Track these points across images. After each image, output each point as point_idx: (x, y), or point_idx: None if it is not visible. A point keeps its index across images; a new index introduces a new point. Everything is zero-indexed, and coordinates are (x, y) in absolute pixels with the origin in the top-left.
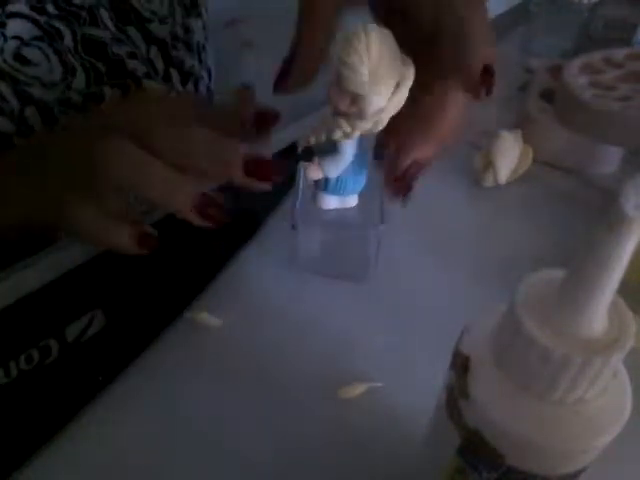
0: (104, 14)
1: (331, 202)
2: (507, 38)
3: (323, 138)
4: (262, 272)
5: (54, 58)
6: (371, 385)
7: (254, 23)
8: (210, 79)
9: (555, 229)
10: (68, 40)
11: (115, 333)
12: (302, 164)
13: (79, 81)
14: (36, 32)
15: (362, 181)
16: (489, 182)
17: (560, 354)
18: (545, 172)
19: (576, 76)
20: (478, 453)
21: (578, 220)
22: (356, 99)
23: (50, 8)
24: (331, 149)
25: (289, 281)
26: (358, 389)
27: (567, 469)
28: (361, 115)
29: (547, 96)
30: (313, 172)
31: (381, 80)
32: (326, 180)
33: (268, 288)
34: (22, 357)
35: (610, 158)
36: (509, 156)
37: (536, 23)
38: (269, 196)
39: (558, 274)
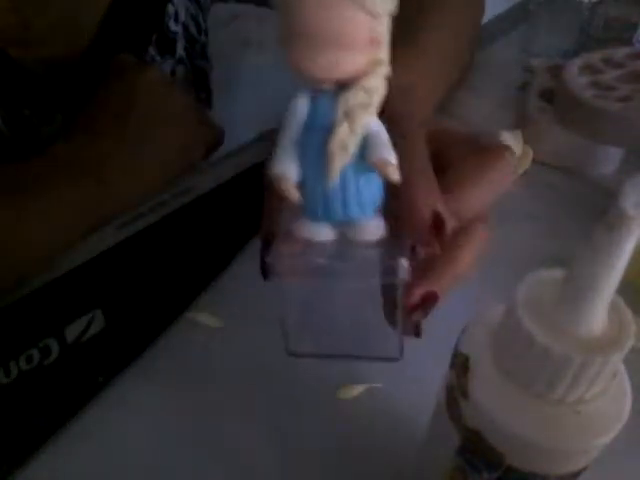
0: None
1: (322, 231)
2: (507, 38)
3: None
4: None
5: None
6: (371, 385)
7: (254, 20)
8: (210, 72)
9: (555, 229)
10: None
11: (115, 333)
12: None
13: None
14: None
15: (373, 192)
16: None
17: (560, 354)
18: (545, 172)
19: (576, 76)
20: (478, 453)
21: (578, 220)
22: None
23: None
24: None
25: None
26: (358, 389)
27: (567, 469)
28: None
29: (547, 96)
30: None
31: None
32: (307, 192)
33: (268, 289)
34: (22, 357)
35: (610, 158)
36: None
37: (536, 23)
38: None
39: (558, 274)
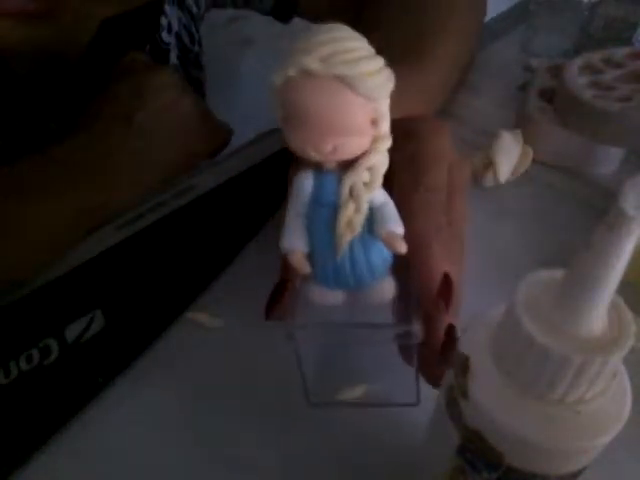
0: None
1: (333, 295)
2: (507, 38)
3: None
4: (262, 272)
5: None
6: (371, 385)
7: (253, 22)
8: (204, 80)
9: (555, 229)
10: None
11: (115, 334)
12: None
13: None
14: None
15: (382, 257)
16: (489, 182)
17: (560, 354)
18: (545, 172)
19: (576, 76)
20: (478, 453)
21: (578, 220)
22: None
23: None
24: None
25: None
26: (358, 389)
27: (567, 469)
28: None
29: (547, 96)
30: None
31: None
32: (317, 263)
33: (268, 288)
34: (22, 357)
35: (610, 158)
36: (509, 156)
37: (536, 23)
38: (270, 197)
39: (558, 274)
